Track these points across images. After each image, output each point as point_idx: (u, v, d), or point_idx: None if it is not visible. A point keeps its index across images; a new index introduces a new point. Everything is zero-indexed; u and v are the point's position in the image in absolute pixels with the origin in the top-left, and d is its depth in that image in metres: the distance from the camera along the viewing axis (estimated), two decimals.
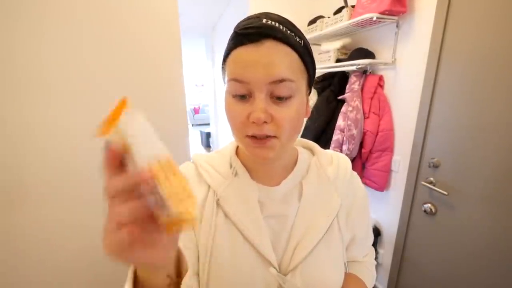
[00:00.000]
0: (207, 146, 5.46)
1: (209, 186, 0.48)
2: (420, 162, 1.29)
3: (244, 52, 0.37)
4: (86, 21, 0.96)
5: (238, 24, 0.40)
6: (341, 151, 1.52)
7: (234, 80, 0.38)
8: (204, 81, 8.64)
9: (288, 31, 0.38)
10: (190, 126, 8.35)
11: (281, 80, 0.37)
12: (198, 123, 8.39)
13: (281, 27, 0.38)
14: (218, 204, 0.46)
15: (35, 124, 0.94)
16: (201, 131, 5.75)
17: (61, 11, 0.92)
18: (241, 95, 0.38)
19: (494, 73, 0.97)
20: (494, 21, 0.96)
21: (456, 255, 1.17)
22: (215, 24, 3.74)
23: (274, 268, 0.43)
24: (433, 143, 1.22)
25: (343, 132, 1.50)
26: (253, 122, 0.38)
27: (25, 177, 0.96)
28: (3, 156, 0.91)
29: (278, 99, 0.38)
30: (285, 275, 0.43)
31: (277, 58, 0.37)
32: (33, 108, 0.93)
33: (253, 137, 0.39)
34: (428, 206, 1.24)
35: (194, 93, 9.09)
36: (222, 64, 0.43)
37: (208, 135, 5.45)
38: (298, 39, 0.39)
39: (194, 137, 6.45)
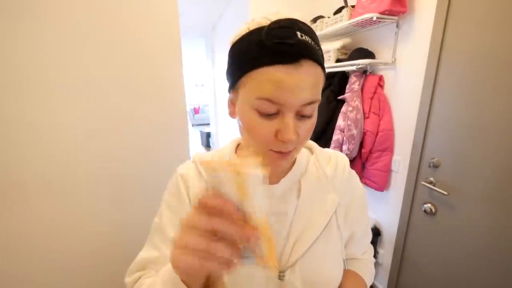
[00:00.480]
0: (207, 146, 5.46)
1: None
2: (420, 162, 1.29)
3: (283, 73, 0.34)
4: (86, 21, 0.96)
5: (268, 32, 0.35)
6: (341, 151, 1.52)
7: (268, 100, 0.36)
8: (204, 81, 8.64)
9: (317, 46, 0.37)
10: (190, 126, 8.35)
11: (311, 102, 0.37)
12: (198, 123, 8.39)
13: (312, 43, 0.36)
14: None
15: (35, 124, 0.94)
16: (201, 131, 5.75)
17: (61, 11, 0.92)
18: (271, 114, 0.37)
19: (494, 73, 0.97)
20: (494, 21, 0.96)
21: (456, 255, 1.17)
22: (215, 24, 3.74)
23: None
24: (433, 143, 1.22)
25: (343, 132, 1.50)
26: (282, 141, 0.38)
27: (24, 177, 0.95)
28: (2, 156, 0.91)
29: (303, 116, 0.39)
30: (284, 271, 0.44)
31: (313, 82, 0.36)
32: (33, 107, 0.93)
33: (278, 151, 0.40)
34: (428, 206, 1.24)
35: (194, 93, 9.10)
36: (241, 72, 0.38)
37: (208, 135, 5.45)
38: (321, 52, 0.38)
39: (194, 137, 6.45)
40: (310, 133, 0.41)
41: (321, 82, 0.39)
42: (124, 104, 1.07)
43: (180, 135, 1.21)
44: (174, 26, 1.10)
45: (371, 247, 0.63)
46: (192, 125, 8.46)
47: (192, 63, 7.75)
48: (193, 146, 5.68)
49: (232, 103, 0.44)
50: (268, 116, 0.37)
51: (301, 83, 0.35)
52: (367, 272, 0.57)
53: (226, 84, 0.45)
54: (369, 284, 0.57)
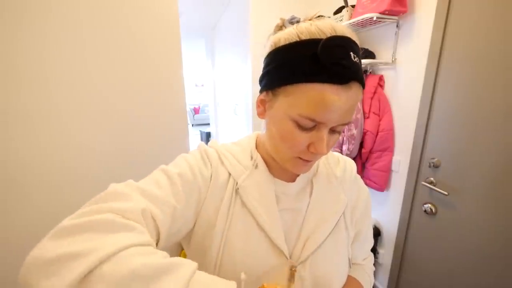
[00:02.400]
0: None
1: (229, 174, 0.49)
2: (420, 162, 1.29)
3: (332, 94, 0.35)
4: (86, 21, 0.96)
5: (324, 50, 0.34)
6: (341, 151, 1.52)
7: (310, 119, 0.37)
8: (204, 81, 8.63)
9: (361, 65, 0.38)
10: (190, 126, 8.35)
11: (348, 123, 0.40)
12: (198, 123, 8.38)
13: (360, 63, 0.37)
14: (237, 193, 0.47)
15: (35, 123, 0.94)
16: (201, 131, 5.75)
17: (61, 11, 0.92)
18: (308, 127, 0.39)
19: (494, 73, 0.97)
20: (494, 21, 0.96)
21: (456, 255, 1.17)
22: (215, 24, 3.74)
23: (286, 257, 0.45)
24: (433, 143, 1.22)
25: (343, 132, 1.50)
26: (313, 153, 0.40)
27: (24, 177, 0.95)
28: (2, 154, 0.91)
29: (334, 131, 0.41)
30: (295, 266, 0.46)
31: (355, 105, 0.38)
32: (33, 107, 0.93)
33: (305, 160, 0.42)
34: (428, 206, 1.24)
35: (194, 93, 9.09)
36: (288, 80, 0.37)
37: (208, 135, 5.45)
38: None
39: (194, 137, 6.45)
40: (334, 145, 0.45)
41: (359, 102, 0.40)
42: (124, 104, 1.07)
43: (180, 135, 1.21)
44: (174, 26, 1.10)
45: (372, 255, 0.65)
46: (192, 125, 8.45)
47: (192, 63, 7.74)
48: (193, 146, 5.67)
49: (262, 104, 0.45)
50: (304, 129, 0.39)
51: (346, 105, 0.36)
52: (366, 280, 0.59)
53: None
54: None
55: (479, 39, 1.01)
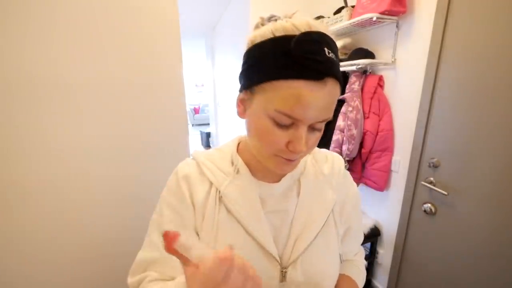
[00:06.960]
0: (207, 146, 5.47)
1: (211, 183, 0.48)
2: (420, 162, 1.29)
3: (307, 90, 0.34)
4: (85, 21, 0.96)
5: (298, 45, 0.34)
6: (341, 151, 1.53)
7: (287, 115, 0.36)
8: (204, 81, 8.64)
9: (338, 61, 0.38)
10: (190, 126, 8.35)
11: (326, 120, 0.39)
12: (198, 123, 8.38)
13: (336, 59, 0.37)
14: (220, 201, 0.47)
15: (35, 124, 0.94)
16: (201, 131, 5.75)
17: (60, 12, 0.92)
18: (286, 125, 0.38)
19: (494, 73, 0.97)
20: (494, 20, 0.96)
21: (456, 255, 1.17)
22: (215, 24, 3.74)
23: (277, 261, 0.45)
24: (433, 143, 1.22)
25: (343, 132, 1.50)
26: (292, 151, 0.39)
27: (24, 177, 0.96)
28: (2, 155, 0.91)
29: (313, 129, 0.40)
30: (286, 267, 0.45)
31: (332, 101, 0.37)
32: (33, 107, 0.93)
33: (285, 158, 0.41)
34: (428, 206, 1.24)
35: (194, 93, 9.10)
36: (263, 78, 0.37)
37: (208, 135, 5.45)
38: (339, 65, 0.39)
39: (194, 137, 6.46)
40: (317, 143, 0.43)
41: (337, 99, 0.39)
42: (123, 104, 1.07)
43: (180, 135, 1.21)
44: (174, 26, 1.10)
45: (362, 249, 0.66)
46: (192, 125, 8.45)
47: (192, 63, 7.75)
48: (193, 146, 5.68)
49: (242, 103, 0.44)
50: (282, 126, 0.38)
51: (322, 102, 0.36)
52: (359, 274, 0.59)
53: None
54: (361, 286, 0.59)
55: (479, 39, 1.01)
